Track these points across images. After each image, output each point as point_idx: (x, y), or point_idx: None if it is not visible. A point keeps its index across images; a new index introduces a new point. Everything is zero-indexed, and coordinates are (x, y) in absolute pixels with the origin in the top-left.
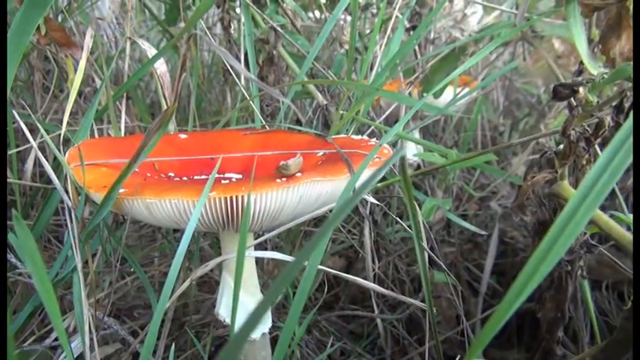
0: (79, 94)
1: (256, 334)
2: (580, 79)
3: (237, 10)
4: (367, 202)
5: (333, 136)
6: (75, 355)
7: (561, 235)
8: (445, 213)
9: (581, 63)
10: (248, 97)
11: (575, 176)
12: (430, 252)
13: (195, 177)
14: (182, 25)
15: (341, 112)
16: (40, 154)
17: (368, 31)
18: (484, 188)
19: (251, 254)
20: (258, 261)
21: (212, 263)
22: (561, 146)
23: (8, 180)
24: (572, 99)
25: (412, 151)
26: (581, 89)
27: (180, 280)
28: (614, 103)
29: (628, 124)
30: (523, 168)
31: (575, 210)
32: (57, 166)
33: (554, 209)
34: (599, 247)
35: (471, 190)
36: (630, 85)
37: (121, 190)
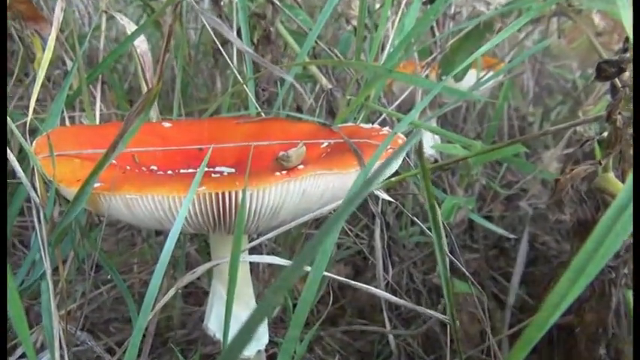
0: (48, 77)
1: (250, 352)
2: (627, 56)
3: None
4: (378, 199)
5: (340, 125)
6: None
7: (607, 237)
8: (467, 214)
9: (627, 40)
10: (241, 81)
11: (621, 168)
12: (452, 257)
13: (182, 170)
14: None
15: (348, 97)
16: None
17: (378, 6)
18: (511, 186)
19: (246, 258)
20: (253, 269)
21: (200, 270)
22: (605, 134)
23: None
24: (616, 79)
25: (429, 143)
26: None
27: (164, 289)
28: None
29: None
30: (556, 164)
31: (624, 206)
32: (22, 158)
33: (596, 207)
34: None
35: (497, 187)
36: None
37: (97, 185)
